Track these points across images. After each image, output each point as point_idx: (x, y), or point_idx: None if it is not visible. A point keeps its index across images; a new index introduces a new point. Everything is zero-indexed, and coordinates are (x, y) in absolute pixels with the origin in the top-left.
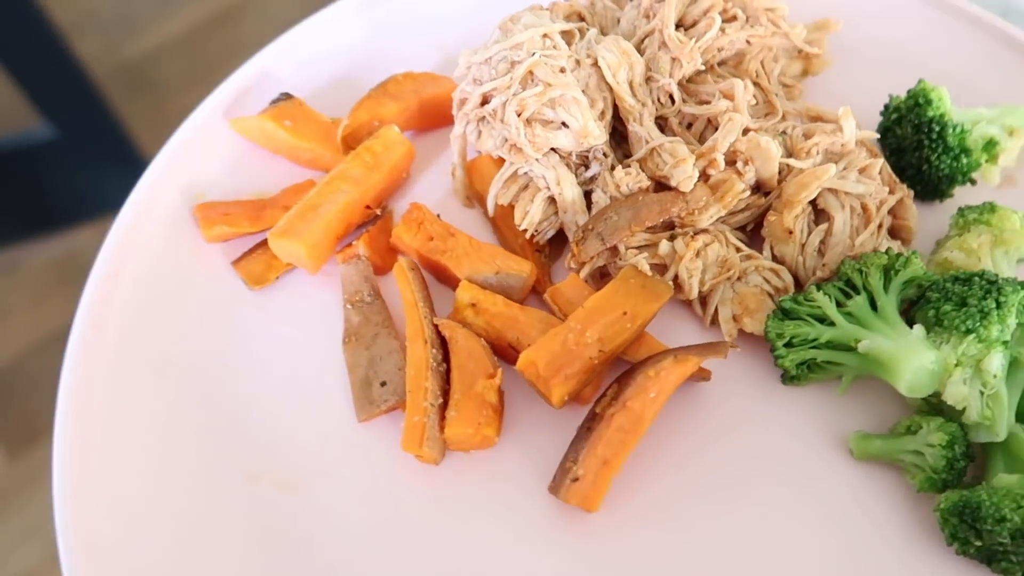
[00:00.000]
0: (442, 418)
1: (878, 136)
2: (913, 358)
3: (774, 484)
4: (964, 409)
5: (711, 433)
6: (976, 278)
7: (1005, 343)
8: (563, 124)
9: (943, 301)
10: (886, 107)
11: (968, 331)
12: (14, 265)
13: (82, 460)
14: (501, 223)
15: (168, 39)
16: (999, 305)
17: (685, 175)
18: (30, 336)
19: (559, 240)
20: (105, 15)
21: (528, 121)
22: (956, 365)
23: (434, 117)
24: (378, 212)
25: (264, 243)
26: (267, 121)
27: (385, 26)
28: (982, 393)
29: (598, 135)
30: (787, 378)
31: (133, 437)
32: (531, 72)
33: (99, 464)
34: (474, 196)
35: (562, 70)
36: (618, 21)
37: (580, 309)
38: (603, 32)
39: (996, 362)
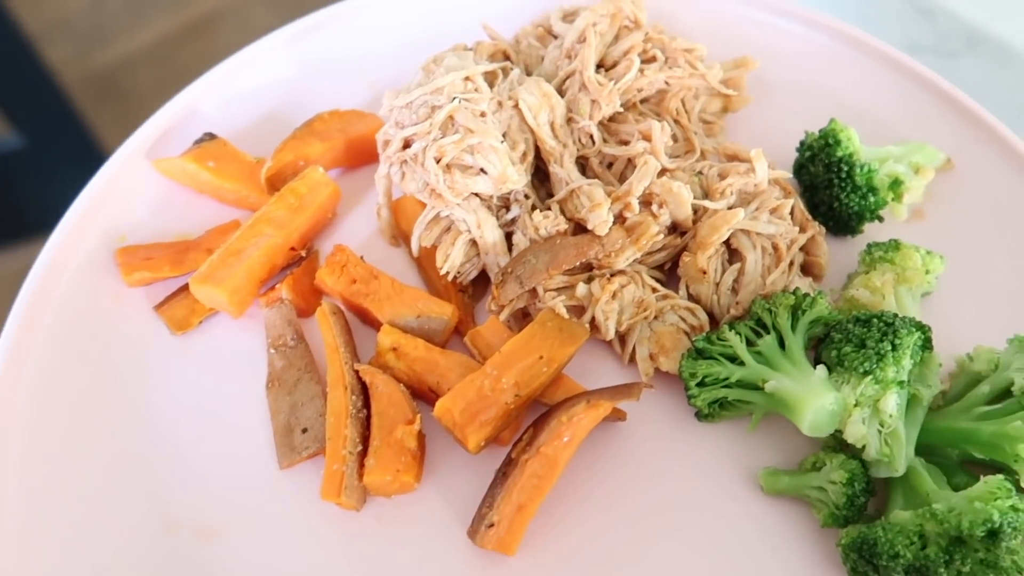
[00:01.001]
0: (361, 465)
1: (790, 176)
2: (814, 400)
3: (688, 522)
4: (864, 447)
5: (628, 473)
6: (875, 320)
7: (901, 383)
8: (482, 170)
9: (844, 343)
10: (801, 143)
11: (866, 372)
12: None
13: None
14: (425, 263)
15: (140, 48)
16: (895, 347)
17: (600, 220)
18: None
19: (483, 279)
20: (76, 24)
21: (448, 167)
22: (856, 405)
23: (361, 155)
24: (303, 254)
25: (187, 287)
26: (189, 163)
27: (314, 62)
28: (880, 431)
29: (517, 180)
30: (700, 416)
31: (50, 486)
32: (451, 117)
33: (12, 516)
34: (400, 235)
35: (482, 114)
36: (542, 59)
37: (497, 354)
38: (528, 70)
39: (892, 402)
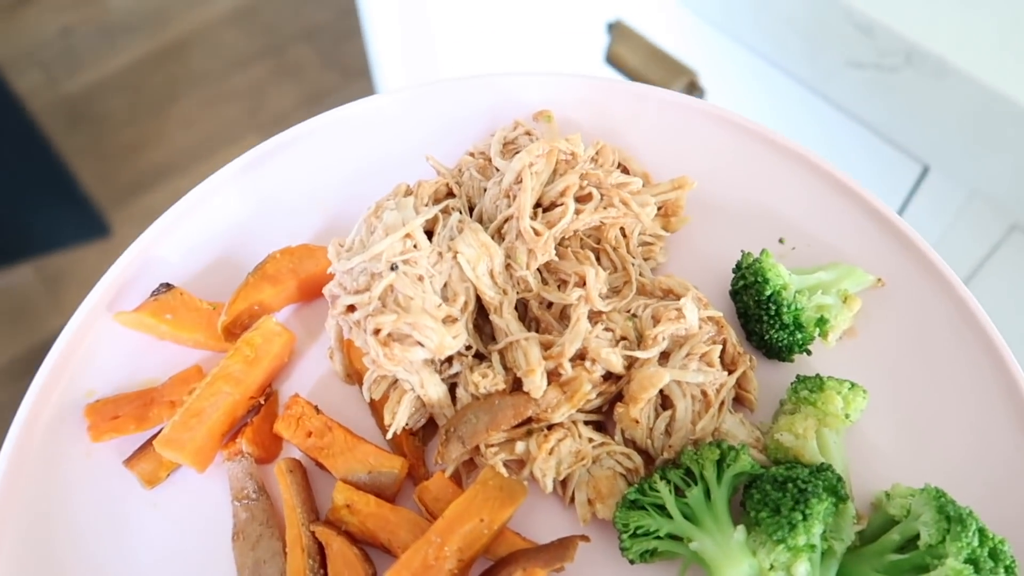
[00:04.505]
0: None
1: (720, 314)
2: (732, 567)
3: None
4: None
5: None
6: (790, 484)
7: (812, 546)
8: (419, 343)
9: (762, 505)
10: (737, 265)
11: (779, 541)
12: None
13: None
14: (378, 407)
15: (110, 74)
16: (805, 517)
17: (534, 385)
18: None
19: (432, 421)
20: (46, 51)
21: (387, 337)
22: (770, 569)
23: (314, 291)
24: (261, 400)
25: (151, 441)
26: (147, 317)
27: (265, 195)
28: None
29: (453, 346)
30: (633, 563)
31: None
32: (391, 286)
33: None
34: (354, 375)
35: (420, 278)
36: (484, 191)
37: (440, 520)
38: (471, 203)
39: (803, 569)
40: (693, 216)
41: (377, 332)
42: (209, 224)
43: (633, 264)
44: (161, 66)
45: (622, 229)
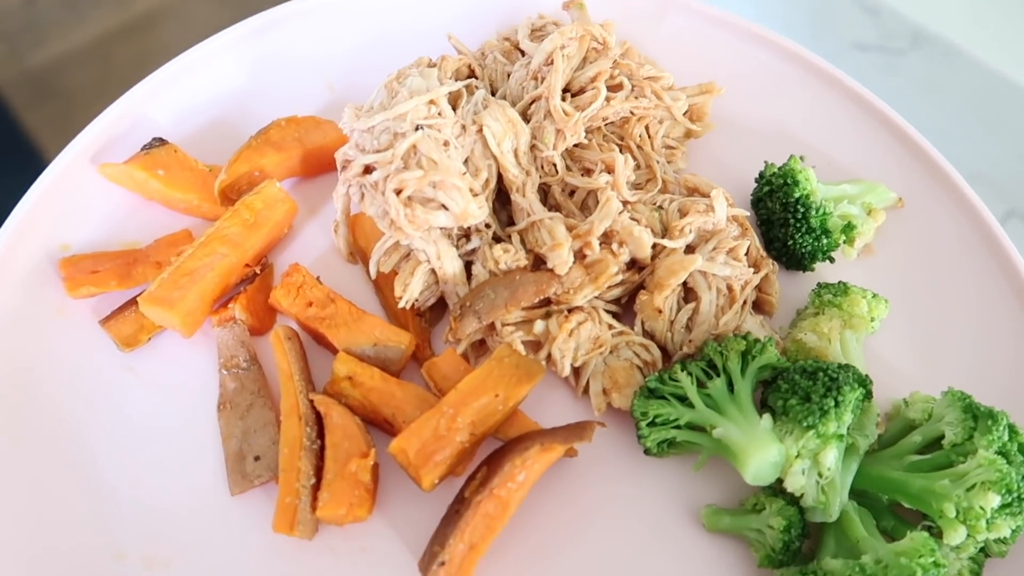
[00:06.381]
0: (315, 497)
1: (747, 214)
2: (758, 451)
3: (634, 558)
4: (802, 495)
5: (577, 509)
6: (820, 373)
7: (841, 436)
8: (443, 205)
9: (790, 393)
10: (760, 175)
11: (809, 427)
12: None
13: None
14: (383, 286)
15: (76, 47)
16: (837, 404)
17: (560, 260)
18: None
19: (441, 303)
20: (8, 22)
21: (408, 199)
22: (797, 457)
23: (318, 165)
24: (257, 270)
25: (134, 301)
26: (138, 170)
27: (268, 62)
28: (818, 482)
29: (478, 215)
30: (648, 452)
31: None
32: (414, 147)
33: None
34: (357, 253)
35: (446, 144)
36: (508, 76)
37: (453, 392)
38: (493, 87)
39: (832, 456)
40: (713, 128)
41: (399, 192)
42: (206, 86)
43: (657, 162)
44: (131, 39)
45: (647, 128)
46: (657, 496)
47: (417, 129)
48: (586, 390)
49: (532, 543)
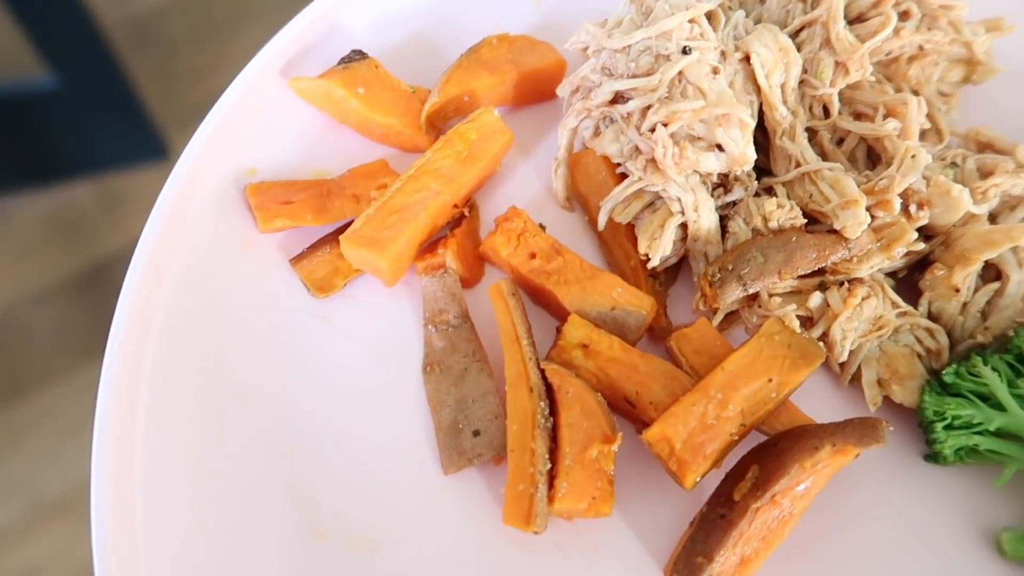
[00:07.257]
0: (550, 486)
1: None
2: None
3: None
4: None
5: (845, 520)
6: None
7: None
8: (717, 146)
9: None
10: None
11: None
12: (6, 215)
13: (123, 513)
14: (610, 239)
15: None
16: None
17: (855, 220)
18: (19, 289)
19: (674, 265)
20: None
21: (671, 136)
22: None
23: (530, 93)
24: (465, 212)
25: (328, 239)
26: (336, 86)
27: None
28: None
29: (751, 159)
30: (935, 458)
31: (180, 471)
32: (681, 73)
33: (143, 515)
34: (576, 198)
35: (715, 71)
36: (762, 1)
37: (719, 372)
38: (745, 9)
39: None
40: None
41: (666, 125)
42: None
43: (940, 110)
44: None
45: (921, 68)
46: (942, 510)
47: (685, 52)
48: (854, 379)
49: (800, 553)
